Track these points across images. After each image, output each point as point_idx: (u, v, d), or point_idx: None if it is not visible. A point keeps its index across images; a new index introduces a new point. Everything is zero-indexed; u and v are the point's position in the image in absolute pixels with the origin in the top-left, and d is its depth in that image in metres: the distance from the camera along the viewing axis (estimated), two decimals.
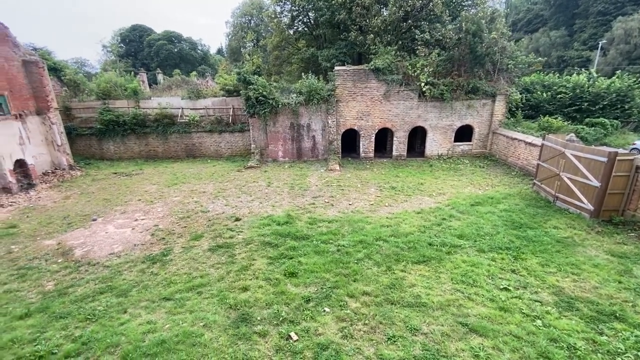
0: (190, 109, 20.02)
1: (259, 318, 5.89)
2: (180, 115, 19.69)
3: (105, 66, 37.42)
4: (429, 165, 16.87)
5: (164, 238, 9.28)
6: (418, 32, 17.62)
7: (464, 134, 18.44)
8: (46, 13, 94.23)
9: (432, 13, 18.15)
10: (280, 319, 5.84)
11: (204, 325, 5.72)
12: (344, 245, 8.43)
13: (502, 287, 6.65)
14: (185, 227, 10.01)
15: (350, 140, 19.72)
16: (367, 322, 5.74)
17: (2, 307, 6.48)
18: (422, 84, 16.52)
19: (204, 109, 20.14)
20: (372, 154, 18.50)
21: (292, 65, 27.05)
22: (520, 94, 18.15)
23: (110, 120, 18.85)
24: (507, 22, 18.81)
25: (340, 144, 18.30)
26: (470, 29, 15.93)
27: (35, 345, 5.40)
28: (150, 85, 31.28)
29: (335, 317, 5.89)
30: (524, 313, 5.89)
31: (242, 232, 9.56)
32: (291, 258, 7.92)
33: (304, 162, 18.10)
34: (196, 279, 7.21)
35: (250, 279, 7.12)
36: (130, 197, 12.99)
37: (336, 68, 17.27)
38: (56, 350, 5.29)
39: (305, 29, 25.55)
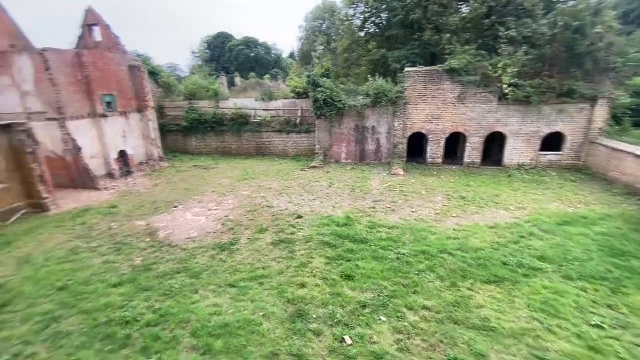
0: (263, 109, 21.27)
1: (314, 316, 5.95)
2: (254, 116, 21.04)
3: (193, 70, 41.91)
4: (507, 175, 15.26)
5: (232, 228, 9.99)
6: (502, 29, 16.06)
7: (551, 142, 16.26)
8: (144, 22, 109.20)
9: (521, 7, 16.38)
10: (335, 320, 5.82)
11: (263, 315, 5.99)
12: (404, 254, 8.08)
13: (593, 323, 5.68)
14: (252, 220, 10.65)
15: (416, 145, 18.85)
16: (426, 338, 5.41)
17: (101, 275, 7.64)
18: (505, 86, 15.01)
19: (275, 110, 21.23)
20: (440, 160, 17.43)
21: (360, 67, 26.94)
22: (630, 97, 15.35)
23: (194, 118, 21.00)
24: (617, 13, 16.01)
25: (406, 148, 17.63)
26: (569, 24, 13.96)
27: (124, 311, 6.25)
28: (229, 87, 34.08)
29: (392, 327, 5.66)
30: (622, 358, 4.94)
31: (302, 229, 9.81)
32: (349, 260, 7.87)
33: (367, 165, 17.88)
34: (259, 270, 7.60)
35: (308, 277, 7.25)
36: (207, 188, 14.28)
37: (407, 69, 16.69)
38: (139, 318, 6.04)
39: (377, 30, 25.21)
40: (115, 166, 16.12)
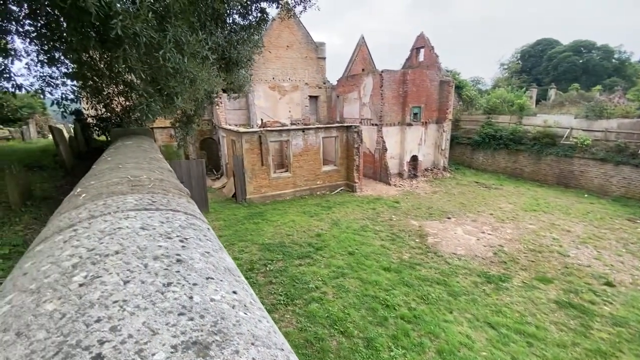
0: (583, 129, 16.65)
1: None
2: (566, 137, 16.96)
3: (498, 83, 39.64)
4: None
5: (505, 262, 8.72)
6: None
7: None
8: (463, 39, 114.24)
9: None
10: None
11: None
12: None
13: None
14: (532, 261, 8.78)
15: None
16: None
17: (377, 256, 9.08)
18: None
19: (602, 131, 16.00)
20: None
21: None
22: None
23: (488, 133, 19.95)
24: None
25: None
26: None
27: (387, 295, 7.12)
28: (537, 101, 29.38)
29: None
30: None
31: (611, 303, 6.91)
32: None
33: None
34: (529, 325, 6.18)
35: None
36: (484, 208, 13.30)
37: None
38: (396, 308, 6.66)
39: None
40: (405, 168, 18.55)
